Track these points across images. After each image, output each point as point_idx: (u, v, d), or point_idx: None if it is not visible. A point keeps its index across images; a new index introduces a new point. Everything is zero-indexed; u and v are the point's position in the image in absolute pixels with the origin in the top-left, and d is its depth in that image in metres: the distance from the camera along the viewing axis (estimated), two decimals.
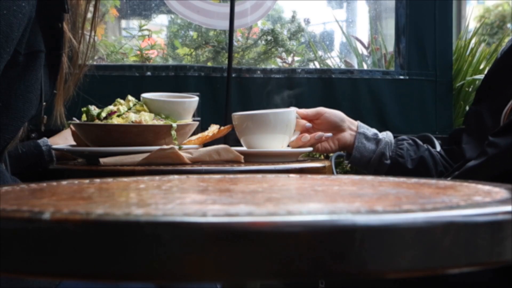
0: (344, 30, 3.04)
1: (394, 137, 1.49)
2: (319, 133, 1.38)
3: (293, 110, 1.36)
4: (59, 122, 1.16)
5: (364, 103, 2.17)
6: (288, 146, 1.37)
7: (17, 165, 1.24)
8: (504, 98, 1.27)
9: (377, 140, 1.46)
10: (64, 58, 1.09)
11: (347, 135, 1.46)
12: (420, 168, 1.44)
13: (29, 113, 1.01)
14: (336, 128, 1.44)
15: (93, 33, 1.16)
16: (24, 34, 0.95)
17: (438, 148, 1.51)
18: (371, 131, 1.48)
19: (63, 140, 1.45)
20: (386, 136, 1.47)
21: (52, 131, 1.43)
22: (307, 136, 1.37)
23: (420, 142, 1.49)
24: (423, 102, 2.21)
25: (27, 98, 0.99)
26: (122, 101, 1.33)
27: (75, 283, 0.91)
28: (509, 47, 1.32)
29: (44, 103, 1.05)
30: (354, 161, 1.47)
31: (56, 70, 1.09)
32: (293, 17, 2.93)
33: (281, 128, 1.32)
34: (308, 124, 1.40)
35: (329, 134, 1.41)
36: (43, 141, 1.40)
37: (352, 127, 1.47)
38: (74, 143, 1.37)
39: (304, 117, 1.42)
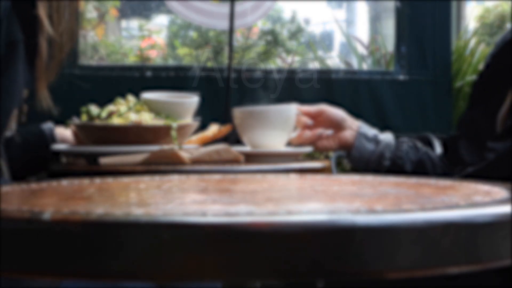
0: (344, 30, 3.04)
1: (396, 137, 1.50)
2: (320, 130, 1.39)
3: (293, 106, 1.36)
4: (45, 105, 1.14)
5: (364, 103, 2.17)
6: (289, 142, 1.38)
7: (20, 153, 1.23)
8: (497, 101, 1.27)
9: (376, 141, 1.46)
10: (42, 43, 1.08)
11: (348, 134, 1.46)
12: (419, 171, 1.44)
13: (13, 106, 1.02)
14: (337, 126, 1.45)
15: (67, 14, 1.13)
16: (1, 26, 0.95)
17: (438, 148, 1.51)
18: (371, 131, 1.48)
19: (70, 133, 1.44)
20: (386, 137, 1.48)
21: (40, 116, 1.41)
22: (308, 133, 1.38)
23: (420, 146, 1.49)
24: (422, 102, 2.21)
25: (10, 92, 0.99)
26: (122, 101, 1.33)
27: (75, 283, 0.90)
28: (498, 50, 1.32)
29: (26, 90, 1.05)
30: (354, 160, 1.47)
31: (34, 57, 1.07)
32: (293, 17, 2.94)
33: (281, 124, 1.33)
34: (309, 121, 1.41)
35: (330, 132, 1.41)
36: (47, 125, 1.39)
37: (353, 127, 1.47)
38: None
39: (305, 114, 1.42)
